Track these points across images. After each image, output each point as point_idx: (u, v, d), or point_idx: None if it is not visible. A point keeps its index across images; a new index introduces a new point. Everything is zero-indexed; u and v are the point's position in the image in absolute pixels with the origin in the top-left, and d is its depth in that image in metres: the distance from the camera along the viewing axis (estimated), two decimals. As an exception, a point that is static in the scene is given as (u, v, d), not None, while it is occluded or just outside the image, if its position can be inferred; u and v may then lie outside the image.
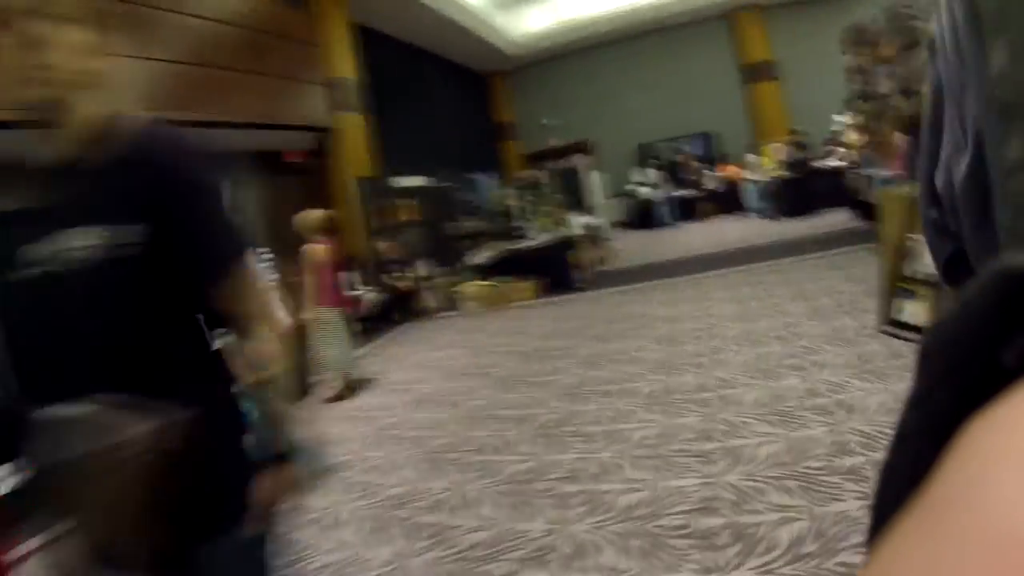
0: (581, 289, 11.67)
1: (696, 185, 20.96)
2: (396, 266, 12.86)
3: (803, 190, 16.19)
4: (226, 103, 10.11)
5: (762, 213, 17.41)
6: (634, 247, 16.68)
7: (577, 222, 12.98)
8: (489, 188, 16.75)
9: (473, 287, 12.16)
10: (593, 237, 14.68)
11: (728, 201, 20.20)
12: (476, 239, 15.18)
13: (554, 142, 22.15)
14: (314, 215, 7.88)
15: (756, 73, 22.61)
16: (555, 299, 11.32)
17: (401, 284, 12.48)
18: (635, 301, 9.78)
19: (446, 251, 15.29)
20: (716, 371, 5.84)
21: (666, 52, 23.29)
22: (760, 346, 6.31)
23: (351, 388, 7.94)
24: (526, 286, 11.67)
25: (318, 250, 7.64)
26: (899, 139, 8.15)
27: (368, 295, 11.92)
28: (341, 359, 7.87)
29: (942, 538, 0.23)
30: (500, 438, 5.35)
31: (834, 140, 18.07)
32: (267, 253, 8.54)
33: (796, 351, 5.92)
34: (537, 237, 12.46)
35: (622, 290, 10.87)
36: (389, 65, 16.81)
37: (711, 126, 23.09)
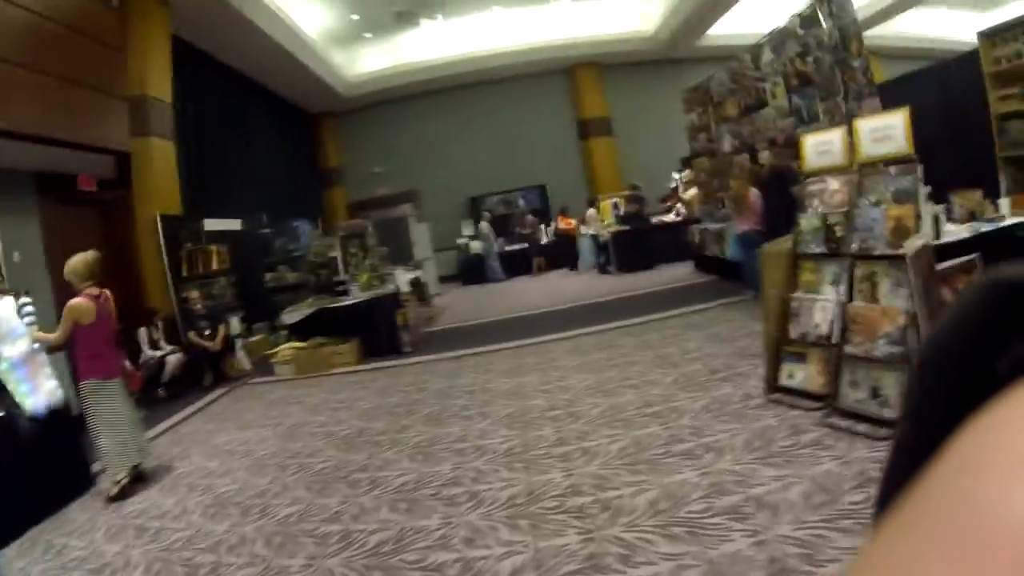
0: (409, 353, 10.42)
1: (530, 239, 20.15)
2: (204, 322, 11.21)
3: (641, 244, 15.75)
4: (10, 106, 8.19)
5: (600, 268, 16.81)
6: (466, 304, 15.59)
7: (403, 278, 11.71)
8: (311, 237, 15.23)
9: (288, 350, 10.64)
10: (420, 294, 13.49)
11: (564, 255, 19.50)
12: (296, 292, 13.75)
13: (383, 191, 21.08)
14: (79, 259, 6.20)
15: (593, 128, 22.56)
16: (380, 364, 9.97)
17: (211, 344, 10.85)
18: (472, 369, 8.59)
19: (262, 305, 13.75)
20: (589, 464, 4.70)
21: (504, 103, 22.74)
22: (635, 427, 5.25)
23: (136, 480, 6.28)
24: (347, 349, 10.26)
25: (79, 306, 6.00)
26: (753, 194, 7.66)
27: (171, 356, 10.31)
28: (122, 446, 6.16)
29: (928, 538, 0.24)
30: (314, 569, 4.01)
31: (671, 195, 17.94)
32: (29, 305, 6.97)
33: (681, 432, 4.93)
34: (359, 293, 11.10)
35: (456, 355, 9.65)
36: (208, 90, 15.20)
37: (545, 179, 22.58)
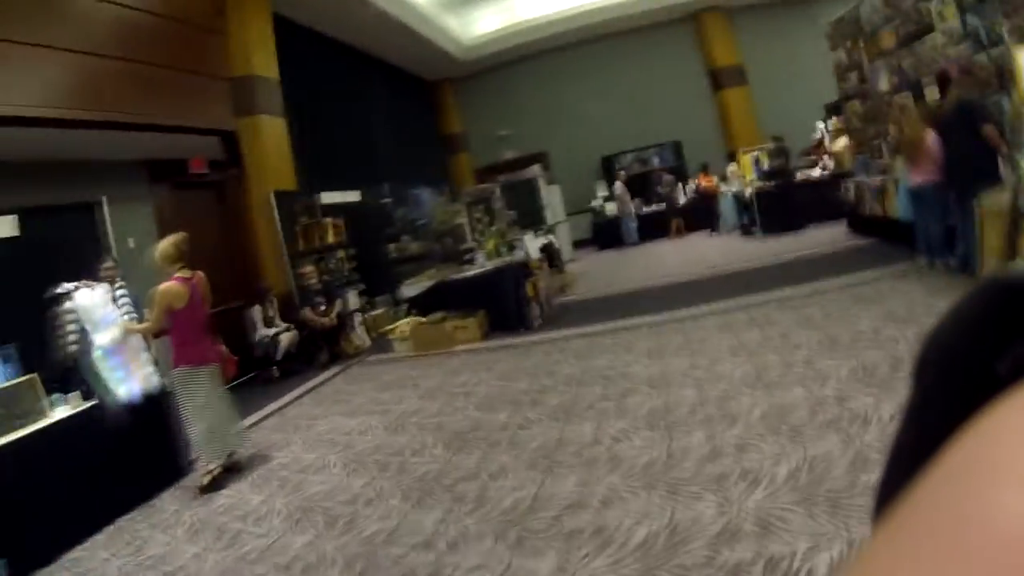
0: (539, 327, 9.51)
1: (667, 199, 18.75)
2: (319, 298, 10.66)
3: (786, 203, 14.25)
4: (117, 99, 8.40)
5: (743, 229, 15.43)
6: (601, 271, 14.53)
7: (532, 244, 10.72)
8: (434, 205, 14.50)
9: (407, 325, 9.94)
10: (552, 261, 12.60)
11: (702, 216, 18.12)
12: (420, 263, 13.08)
13: (509, 155, 20.40)
14: (168, 242, 5.79)
15: (725, 78, 20.79)
16: (507, 340, 9.12)
17: (324, 320, 10.29)
18: (606, 349, 7.55)
19: (384, 278, 13.13)
20: (750, 493, 3.55)
21: (628, 57, 21.21)
22: (806, 439, 4.06)
23: (230, 470, 5.89)
24: (471, 323, 9.45)
25: (171, 290, 5.57)
26: (931, 138, 6.21)
27: (285, 334, 9.81)
28: (216, 435, 5.74)
29: (929, 542, 0.24)
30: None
31: (816, 147, 16.34)
32: (124, 292, 6.53)
33: (867, 451, 3.68)
34: (485, 262, 10.27)
35: (588, 332, 8.64)
36: (317, 65, 14.71)
37: (679, 135, 21.02)
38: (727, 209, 16.77)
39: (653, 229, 18.65)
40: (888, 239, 10.23)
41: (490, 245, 10.49)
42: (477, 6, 19.16)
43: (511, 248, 10.46)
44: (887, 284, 7.81)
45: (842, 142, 14.06)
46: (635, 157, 21.19)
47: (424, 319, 9.89)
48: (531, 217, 14.66)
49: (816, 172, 15.15)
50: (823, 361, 5.50)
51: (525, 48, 20.62)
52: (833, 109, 16.10)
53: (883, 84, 10.75)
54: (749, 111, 20.65)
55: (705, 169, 18.03)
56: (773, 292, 8.47)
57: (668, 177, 18.95)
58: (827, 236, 12.40)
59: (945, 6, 8.65)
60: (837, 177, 13.86)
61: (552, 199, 17.63)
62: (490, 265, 10.06)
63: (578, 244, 19.74)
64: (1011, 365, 0.30)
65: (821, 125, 16.33)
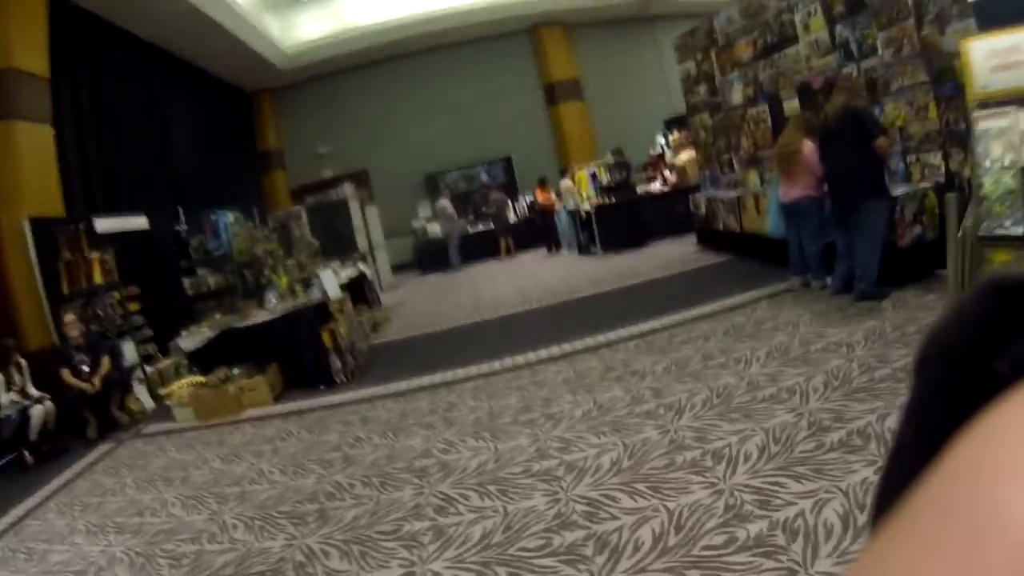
0: (343, 384, 7.53)
1: (495, 217, 17.11)
2: (81, 354, 8.31)
3: (629, 218, 12.99)
4: None
5: (581, 247, 13.98)
6: (423, 301, 12.61)
7: (331, 281, 8.54)
8: (235, 230, 12.05)
9: (186, 386, 7.81)
10: (364, 296, 10.74)
11: (539, 234, 16.68)
12: (221, 300, 10.84)
13: (329, 173, 18.40)
14: None
15: (561, 92, 19.67)
16: (302, 404, 7.09)
17: (85, 385, 7.96)
18: (423, 418, 5.67)
19: (181, 320, 10.72)
20: None
21: (461, 70, 19.81)
22: None
23: None
24: (260, 384, 7.37)
25: None
26: (808, 149, 4.98)
27: (36, 406, 7.53)
28: None
29: (925, 542, 0.24)
30: None
31: (654, 162, 15.30)
32: None
33: None
34: (276, 305, 8.20)
35: (402, 390, 6.74)
36: (106, 63, 12.14)
37: (511, 150, 19.66)
38: (563, 227, 15.41)
39: (482, 249, 17.01)
40: (744, 255, 9.22)
41: (283, 282, 8.44)
42: (302, 8, 17.14)
43: (307, 286, 8.40)
44: (764, 310, 6.52)
45: (685, 156, 13.03)
46: (462, 174, 19.62)
47: (204, 378, 7.79)
48: (341, 243, 12.66)
49: (656, 186, 14.03)
50: (718, 430, 3.95)
51: (351, 57, 18.72)
52: (675, 123, 15.24)
53: (736, 97, 9.85)
54: (585, 126, 19.68)
55: (543, 183, 16.44)
56: (627, 326, 6.96)
57: (497, 194, 17.31)
58: (675, 252, 11.22)
59: (812, 18, 8.01)
60: (680, 191, 12.83)
61: (371, 221, 15.69)
62: (280, 309, 7.97)
63: (400, 268, 17.99)
64: (1011, 364, 0.28)
65: (661, 139, 15.32)
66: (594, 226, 13.13)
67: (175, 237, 11.63)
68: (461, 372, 6.76)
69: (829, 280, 6.75)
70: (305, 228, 11.36)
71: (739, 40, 9.58)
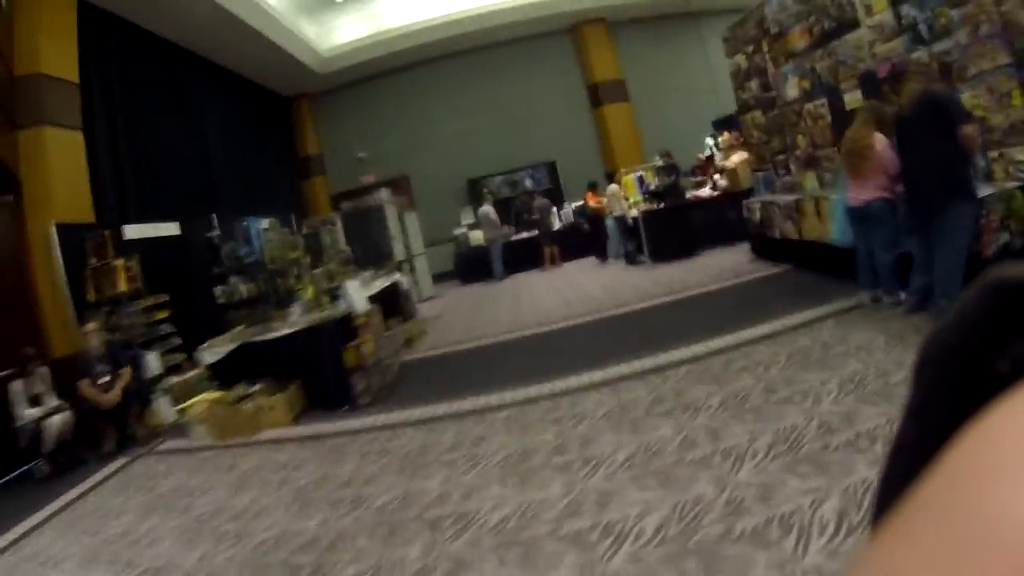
0: (365, 407, 6.89)
1: (539, 225, 16.29)
2: (102, 365, 7.85)
3: (678, 225, 12.23)
4: None
5: (628, 257, 13.22)
6: (461, 314, 11.93)
7: (358, 293, 7.89)
8: (269, 236, 11.58)
9: (204, 403, 7.29)
10: (398, 308, 10.16)
11: (586, 243, 15.92)
12: (253, 309, 10.35)
13: (369, 178, 17.83)
14: None
15: (605, 93, 18.97)
16: (322, 428, 6.53)
17: (103, 397, 7.50)
18: (444, 454, 5.01)
19: (211, 329, 10.25)
20: None
21: (501, 71, 19.18)
22: None
23: None
24: (279, 402, 6.85)
25: None
26: (881, 144, 4.39)
27: (54, 417, 7.17)
28: None
29: (926, 542, 0.24)
30: None
31: (704, 165, 14.52)
32: None
33: None
34: (300, 316, 7.63)
35: (427, 417, 6.10)
36: (139, 68, 11.93)
37: (555, 155, 18.94)
38: (613, 234, 14.69)
39: (525, 258, 16.24)
40: (804, 265, 8.42)
41: (309, 293, 7.86)
42: (338, 11, 16.75)
43: (335, 297, 7.78)
44: (831, 331, 5.74)
45: (737, 158, 12.25)
46: (505, 180, 18.93)
47: (222, 394, 7.25)
48: (377, 251, 12.11)
49: (706, 191, 13.23)
50: (788, 487, 3.25)
51: (390, 60, 18.23)
52: (724, 124, 14.47)
53: (791, 91, 9.04)
54: (631, 128, 18.92)
55: (594, 188, 15.43)
56: (678, 348, 6.23)
57: (540, 200, 16.50)
58: (728, 262, 10.43)
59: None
60: (732, 196, 12.04)
61: (411, 228, 15.14)
62: (304, 322, 7.37)
63: (441, 278, 17.36)
64: (1012, 364, 0.28)
65: (710, 141, 14.54)
66: (641, 234, 12.38)
67: (207, 244, 11.23)
68: (494, 399, 6.11)
69: (903, 295, 5.93)
70: (339, 235, 10.85)
71: (793, 28, 8.76)
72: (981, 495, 0.23)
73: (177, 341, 9.63)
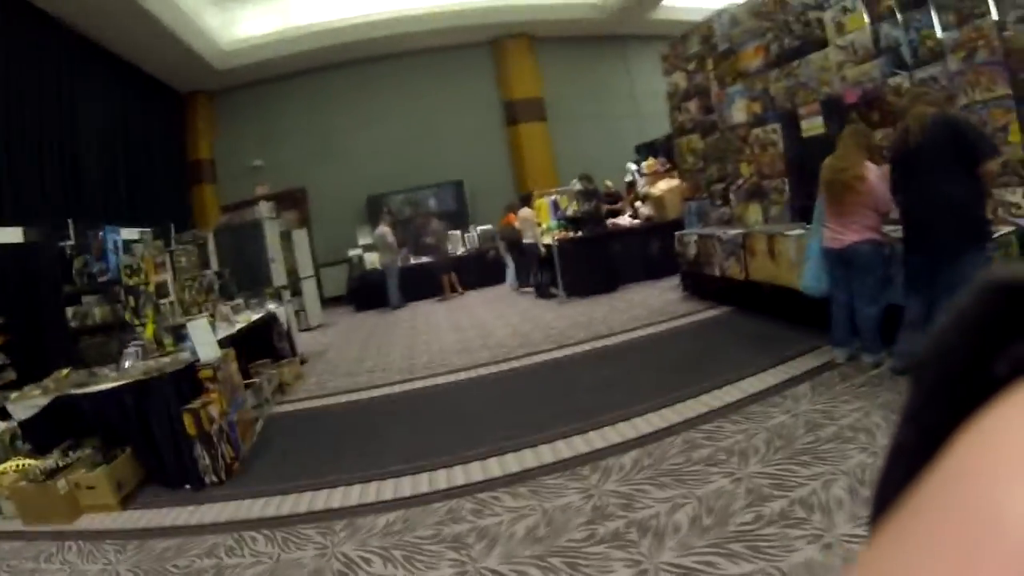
0: (212, 486, 5.21)
1: (436, 250, 14.76)
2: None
3: (598, 257, 10.99)
4: None
5: (539, 289, 11.86)
6: (349, 349, 10.30)
7: (203, 332, 5.89)
8: (138, 251, 9.55)
9: (11, 471, 5.52)
10: (275, 349, 8.61)
11: (490, 270, 14.63)
12: (109, 336, 8.54)
13: (263, 189, 16.09)
14: None
15: (522, 111, 17.62)
16: (152, 519, 4.86)
17: None
18: None
19: (52, 359, 8.37)
20: None
21: (412, 82, 17.56)
22: None
23: None
24: (102, 479, 5.12)
25: None
26: (874, 175, 3.19)
27: None
28: None
29: (925, 543, 0.24)
30: None
31: (625, 192, 13.38)
32: None
33: None
34: (136, 362, 5.89)
35: (289, 516, 4.46)
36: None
37: (463, 174, 17.38)
38: (512, 263, 13.44)
39: (425, 285, 14.61)
40: (751, 309, 7.32)
41: (148, 332, 6.18)
42: (245, 1, 14.85)
43: (181, 338, 6.09)
44: (809, 401, 4.53)
45: (664, 185, 11.14)
46: (407, 198, 17.26)
47: (31, 463, 5.51)
48: (253, 275, 10.40)
49: (626, 220, 12.04)
50: None
51: (296, 60, 16.37)
52: (648, 149, 13.36)
53: (738, 114, 7.98)
54: (547, 150, 17.66)
55: (513, 209, 13.75)
56: (616, 422, 4.82)
57: (436, 223, 14.96)
58: (656, 300, 9.27)
59: (849, 14, 6.20)
60: (657, 227, 10.92)
61: (298, 247, 13.48)
62: (134, 373, 5.58)
63: (333, 302, 15.83)
64: (1010, 365, 0.28)
65: (632, 166, 13.36)
66: (556, 264, 11.08)
67: (60, 256, 9.31)
68: (372, 490, 4.56)
69: (884, 355, 4.89)
70: (209, 255, 9.19)
71: (746, 45, 7.71)
72: (980, 496, 0.23)
73: (10, 376, 7.78)
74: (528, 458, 4.55)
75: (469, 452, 4.83)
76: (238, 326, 7.22)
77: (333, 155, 17.39)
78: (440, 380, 7.28)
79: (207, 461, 5.20)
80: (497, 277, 14.64)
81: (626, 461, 4.14)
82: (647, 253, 11.09)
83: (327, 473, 5.02)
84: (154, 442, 5.37)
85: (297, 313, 12.27)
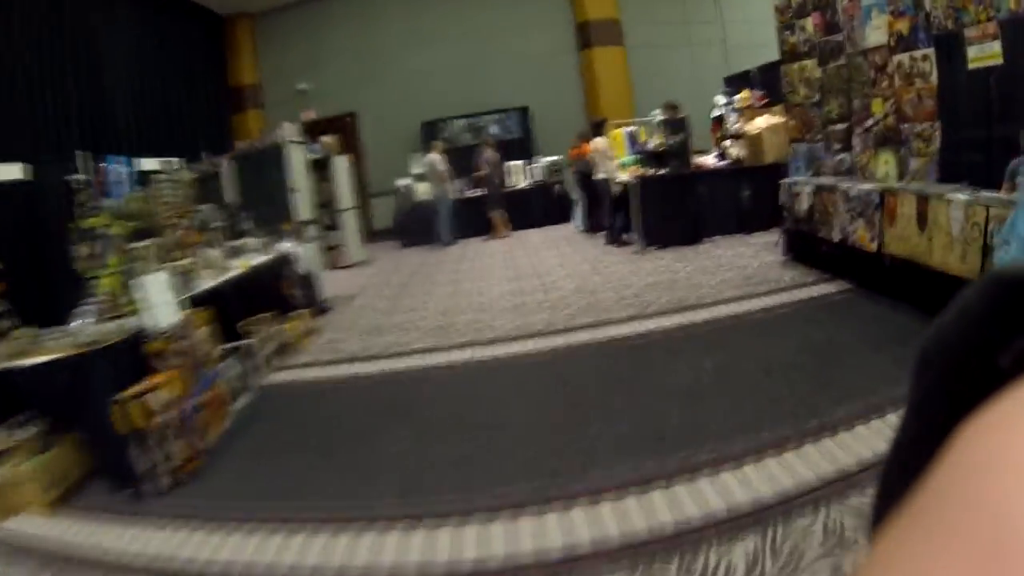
0: (161, 495, 3.88)
1: (487, 183, 13.21)
2: None
3: (681, 201, 9.37)
4: None
5: (611, 235, 10.28)
6: (383, 295, 8.93)
7: (158, 288, 4.49)
8: (158, 182, 8.35)
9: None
10: (292, 298, 7.21)
11: (556, 208, 13.12)
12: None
13: (310, 114, 14.83)
14: None
15: (597, 33, 15.57)
16: (89, 529, 3.63)
17: None
18: None
19: (57, 301, 7.19)
20: None
21: (474, -1, 15.81)
22: None
23: None
24: (35, 472, 3.88)
25: None
26: None
27: None
28: None
29: (931, 537, 0.23)
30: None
31: (714, 129, 11.54)
32: None
33: None
34: (83, 327, 4.56)
35: (233, 554, 3.15)
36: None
37: (530, 99, 15.63)
38: (580, 200, 11.95)
39: (480, 221, 13.19)
40: (878, 290, 5.63)
41: (106, 284, 4.81)
42: None
43: (129, 301, 4.65)
44: None
45: (763, 122, 9.42)
46: (468, 124, 15.60)
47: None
48: (272, 208, 8.85)
49: (710, 160, 10.30)
50: None
51: None
52: (739, 81, 11.53)
53: (874, 35, 6.04)
54: (623, 77, 15.69)
55: (584, 137, 11.57)
56: (711, 449, 3.32)
57: (490, 153, 13.28)
58: (750, 261, 7.69)
59: None
60: (749, 171, 9.32)
61: (340, 175, 12.07)
62: (77, 342, 4.20)
63: (381, 235, 14.63)
64: (1013, 359, 0.28)
65: (721, 99, 11.45)
66: (634, 207, 9.48)
67: (67, 193, 8.13)
68: (338, 546, 3.11)
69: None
70: (222, 187, 7.84)
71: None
72: (991, 489, 0.22)
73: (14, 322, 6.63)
74: (578, 525, 3.00)
75: (491, 498, 3.35)
76: (230, 274, 5.84)
77: (385, 78, 15.94)
78: (478, 353, 5.81)
79: (149, 463, 3.86)
80: (563, 215, 13.19)
81: (737, 558, 2.61)
82: (737, 201, 9.41)
83: (294, 497, 3.67)
84: (93, 430, 4.08)
85: (332, 249, 10.95)
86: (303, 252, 7.62)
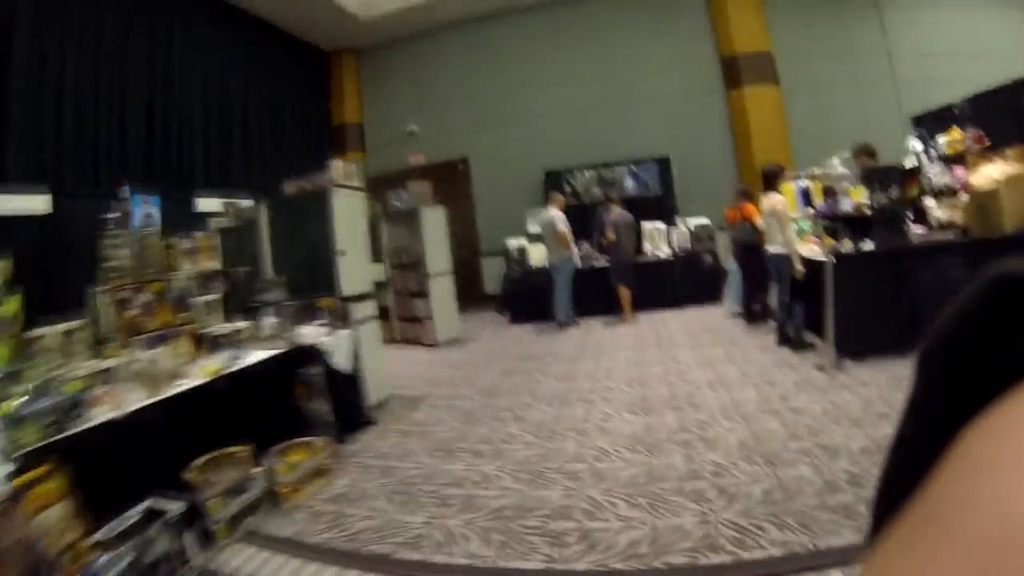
0: None
1: (611, 252, 10.00)
2: None
3: (893, 291, 6.39)
4: None
5: (788, 334, 7.33)
6: (463, 407, 6.28)
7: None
8: (216, 223, 6.34)
9: None
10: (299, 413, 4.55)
11: (695, 283, 10.43)
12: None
13: (419, 158, 13.75)
14: None
15: (746, 70, 12.92)
16: None
17: None
18: None
19: None
20: None
21: (605, 32, 13.75)
22: None
23: None
24: None
25: None
26: None
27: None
28: None
29: (938, 540, 0.23)
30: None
31: (909, 180, 8.47)
32: None
33: None
34: None
35: None
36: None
37: (669, 148, 12.97)
38: (734, 277, 9.20)
39: (607, 296, 10.23)
40: None
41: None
42: None
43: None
44: None
45: (996, 173, 6.51)
46: (596, 176, 13.04)
47: None
48: (312, 274, 6.21)
49: (916, 228, 7.29)
50: None
51: (459, 5, 13.49)
52: (936, 120, 8.45)
53: None
54: (778, 119, 12.84)
55: (747, 195, 9.00)
56: None
57: (617, 211, 10.14)
58: None
59: None
60: (976, 245, 6.29)
61: (433, 231, 9.72)
62: None
63: (488, 301, 12.53)
64: (1017, 358, 0.27)
65: (916, 144, 8.40)
66: (827, 297, 6.46)
67: (91, 225, 6.22)
68: None
69: None
70: (259, 241, 5.64)
71: None
72: (997, 489, 0.22)
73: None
74: None
75: None
76: (174, 391, 3.49)
77: (502, 120, 14.15)
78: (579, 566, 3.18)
79: None
80: (710, 292, 10.47)
81: None
82: (954, 287, 6.36)
83: None
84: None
85: (415, 322, 8.65)
86: (340, 342, 5.22)
